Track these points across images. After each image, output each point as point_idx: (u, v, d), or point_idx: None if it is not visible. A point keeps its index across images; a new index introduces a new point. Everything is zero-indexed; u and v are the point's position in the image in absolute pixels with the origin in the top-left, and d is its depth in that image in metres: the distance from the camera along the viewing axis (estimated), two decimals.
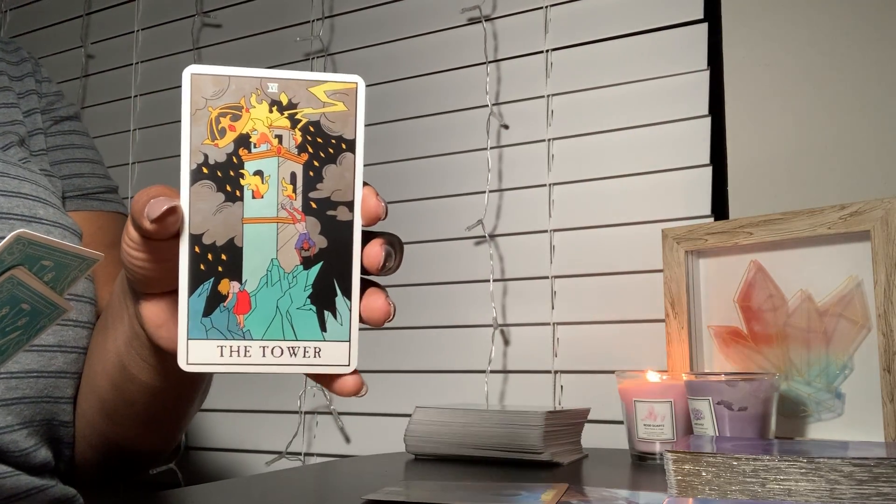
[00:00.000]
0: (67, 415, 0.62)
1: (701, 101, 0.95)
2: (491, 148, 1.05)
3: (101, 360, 0.59)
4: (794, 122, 0.91)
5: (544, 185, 1.02)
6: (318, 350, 0.41)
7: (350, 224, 0.41)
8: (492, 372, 1.02)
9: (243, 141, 0.40)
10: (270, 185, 0.40)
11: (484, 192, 1.04)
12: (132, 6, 1.36)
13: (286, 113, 0.41)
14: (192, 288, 0.40)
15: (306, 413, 1.13)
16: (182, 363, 0.40)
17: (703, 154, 0.94)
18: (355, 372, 0.43)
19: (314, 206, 0.41)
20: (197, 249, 0.40)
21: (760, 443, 0.62)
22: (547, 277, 1.01)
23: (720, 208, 0.94)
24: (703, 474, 0.50)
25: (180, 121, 0.40)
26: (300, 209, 0.41)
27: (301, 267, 0.40)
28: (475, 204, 1.05)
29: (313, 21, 1.19)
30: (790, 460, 0.48)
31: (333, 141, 0.41)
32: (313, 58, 1.19)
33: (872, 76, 0.88)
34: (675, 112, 0.96)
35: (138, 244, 0.44)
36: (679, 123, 0.96)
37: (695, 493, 0.50)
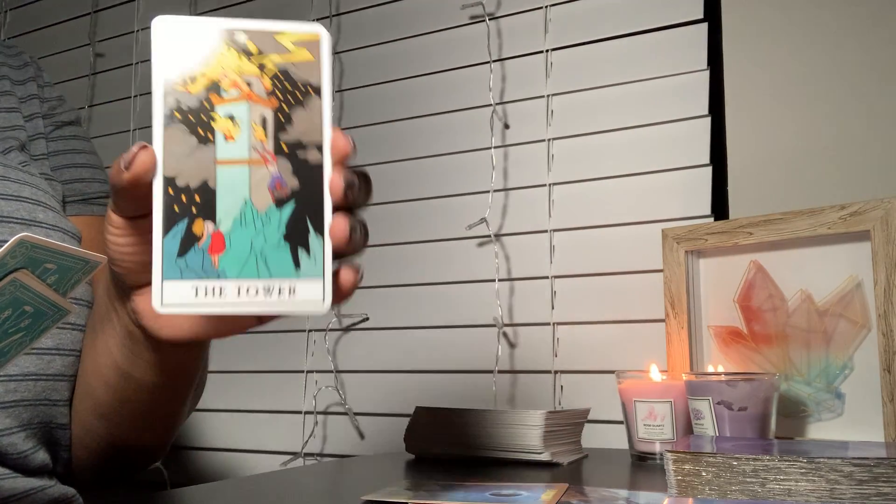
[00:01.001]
0: (65, 417, 0.62)
1: (701, 101, 0.95)
2: (495, 147, 1.05)
3: (94, 363, 0.59)
4: (794, 121, 0.91)
5: (544, 185, 1.02)
6: (292, 288, 0.41)
7: (320, 165, 0.42)
8: (500, 372, 1.02)
9: (214, 87, 0.41)
10: (242, 128, 0.41)
11: (488, 191, 1.04)
12: (133, 5, 1.36)
13: (255, 60, 0.42)
14: (166, 229, 0.40)
15: (319, 413, 1.13)
16: (157, 305, 0.40)
17: (703, 154, 0.94)
18: (350, 270, 0.43)
19: (285, 148, 0.42)
20: (171, 191, 0.40)
21: (760, 443, 0.62)
22: (547, 277, 1.01)
23: (720, 208, 0.94)
24: (703, 474, 0.50)
25: (150, 69, 0.41)
26: (272, 151, 0.41)
27: (274, 206, 0.41)
28: (479, 203, 1.05)
29: (314, 21, 1.19)
30: (790, 460, 0.48)
31: (301, 86, 0.42)
32: None
33: (872, 76, 0.88)
34: (675, 112, 0.96)
35: (122, 227, 0.44)
36: (679, 123, 0.96)
37: (695, 493, 0.50)
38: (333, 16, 1.19)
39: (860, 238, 0.77)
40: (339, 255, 0.43)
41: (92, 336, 0.60)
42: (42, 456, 0.60)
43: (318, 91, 0.42)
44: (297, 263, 0.41)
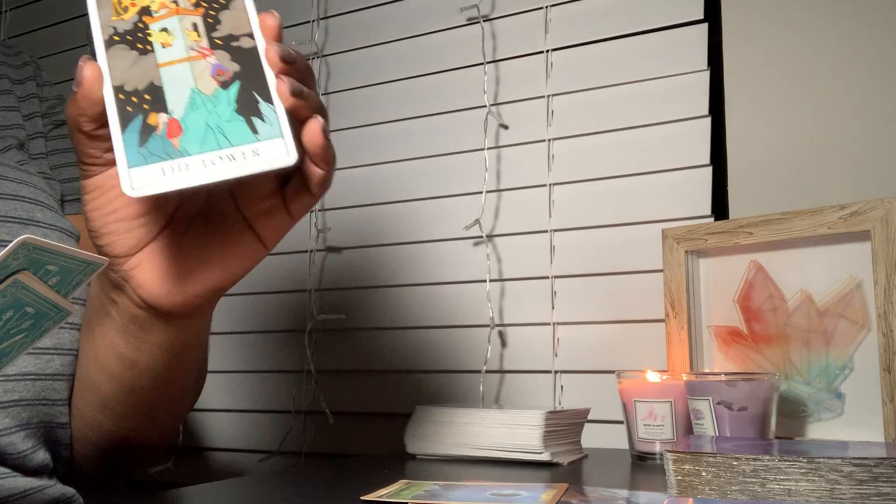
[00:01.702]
0: (64, 416, 0.62)
1: (701, 101, 0.95)
2: (489, 148, 1.05)
3: (94, 358, 0.59)
4: (794, 122, 0.91)
5: (544, 185, 1.02)
6: (255, 151, 0.42)
7: (255, 48, 0.45)
8: (488, 372, 1.02)
9: (145, 10, 0.45)
10: (176, 35, 0.45)
11: (481, 192, 1.04)
12: None
13: None
14: (123, 126, 0.42)
15: (303, 412, 1.13)
16: (127, 189, 0.41)
17: (703, 154, 0.94)
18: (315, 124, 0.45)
19: (219, 42, 0.45)
20: (121, 96, 0.43)
21: (760, 443, 0.62)
22: (547, 277, 1.01)
23: (720, 208, 0.94)
24: (703, 474, 0.50)
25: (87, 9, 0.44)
26: (208, 47, 0.44)
27: (220, 89, 0.43)
28: (473, 204, 1.05)
29: (313, 21, 1.19)
30: (790, 460, 0.48)
31: None
32: (307, 59, 1.19)
33: (873, 76, 0.88)
34: (675, 112, 0.96)
35: (97, 187, 0.46)
36: (679, 123, 0.96)
37: (695, 493, 0.50)
38: (321, 19, 1.19)
39: (860, 238, 0.77)
40: (300, 120, 0.45)
41: (89, 332, 0.59)
42: (42, 455, 0.60)
43: None
44: (253, 130, 0.43)
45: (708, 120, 0.94)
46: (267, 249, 0.50)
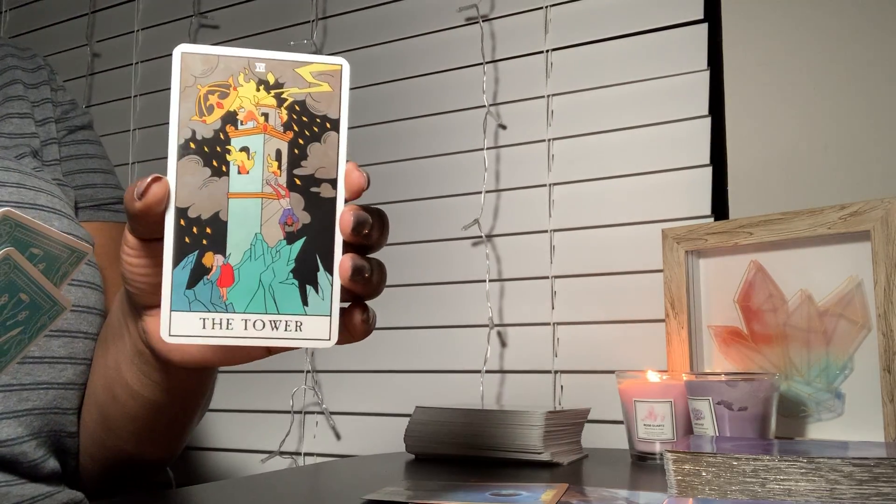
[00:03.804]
0: (73, 426, 0.62)
1: (701, 101, 0.95)
2: (488, 148, 1.05)
3: (104, 376, 0.59)
4: (794, 122, 0.91)
5: (544, 185, 1.02)
6: (299, 324, 0.41)
7: (333, 200, 0.42)
8: (488, 372, 1.02)
9: (230, 118, 0.41)
10: (256, 161, 0.41)
11: (480, 192, 1.04)
12: (133, 5, 1.36)
13: (273, 92, 0.41)
14: (177, 260, 0.40)
15: (303, 412, 1.13)
16: (164, 335, 0.40)
17: (703, 154, 0.94)
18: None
19: (298, 182, 0.41)
20: (182, 222, 0.40)
21: (760, 443, 0.62)
22: (547, 277, 1.01)
23: (720, 208, 0.94)
24: (703, 474, 0.50)
25: (169, 99, 0.41)
26: (284, 185, 0.41)
27: (284, 242, 0.41)
28: (472, 204, 1.05)
29: (313, 21, 1.19)
30: (790, 460, 0.48)
31: (318, 120, 0.42)
32: None
33: (873, 76, 0.88)
34: (675, 112, 0.96)
35: (136, 249, 0.44)
36: (679, 123, 0.96)
37: (695, 493, 0.50)
38: (319, 19, 1.19)
39: (860, 238, 0.77)
40: (353, 296, 0.43)
41: (103, 350, 0.60)
42: (52, 464, 0.60)
43: (335, 125, 0.42)
44: (304, 300, 0.41)
45: (708, 120, 0.94)
46: (270, 354, 0.50)
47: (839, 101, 0.89)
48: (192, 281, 0.40)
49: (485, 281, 1.03)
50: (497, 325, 1.03)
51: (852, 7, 0.90)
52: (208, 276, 0.40)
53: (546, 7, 1.04)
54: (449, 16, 1.10)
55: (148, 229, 0.43)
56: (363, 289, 0.42)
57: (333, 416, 1.11)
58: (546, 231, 1.01)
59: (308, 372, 1.13)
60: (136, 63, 1.34)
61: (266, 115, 0.41)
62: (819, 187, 0.89)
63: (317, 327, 0.41)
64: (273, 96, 0.41)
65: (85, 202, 0.72)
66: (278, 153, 0.41)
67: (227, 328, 0.40)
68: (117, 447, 0.62)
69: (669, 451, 0.51)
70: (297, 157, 0.41)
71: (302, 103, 0.42)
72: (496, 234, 1.04)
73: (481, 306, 1.03)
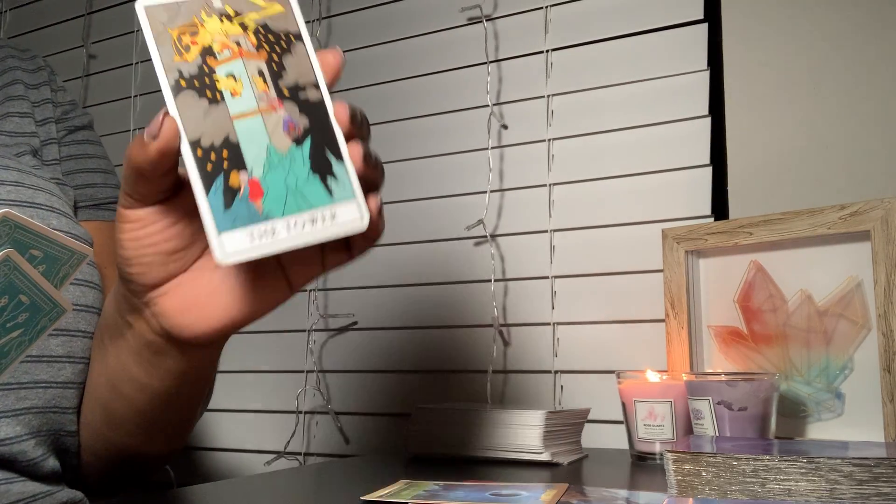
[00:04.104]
0: (73, 424, 0.62)
1: (701, 101, 0.95)
2: (492, 148, 1.05)
3: (105, 376, 0.59)
4: (794, 122, 0.91)
5: (544, 186, 1.02)
6: (333, 214, 0.43)
7: (321, 100, 0.45)
8: (495, 372, 1.02)
9: (208, 51, 0.44)
10: (244, 83, 0.44)
11: (485, 192, 1.04)
12: (131, 6, 1.36)
13: (235, 21, 0.45)
14: (207, 187, 0.42)
15: (305, 413, 1.13)
16: (220, 257, 0.41)
17: (703, 154, 0.94)
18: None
19: (286, 93, 0.44)
20: (199, 152, 0.42)
21: (760, 443, 0.62)
22: (547, 277, 1.01)
23: (720, 208, 0.94)
24: (703, 474, 0.50)
25: (148, 51, 0.43)
26: (276, 98, 0.44)
27: (294, 145, 0.44)
28: (476, 204, 1.05)
29: (312, 21, 1.20)
30: (790, 460, 0.48)
31: (283, 36, 0.45)
32: None
33: (873, 76, 0.88)
34: (676, 112, 0.96)
35: (141, 219, 0.45)
36: (679, 123, 0.96)
37: (695, 493, 0.50)
38: (323, 18, 1.19)
39: (860, 238, 0.77)
40: (364, 181, 0.45)
41: (101, 350, 0.59)
42: (52, 463, 0.60)
43: (298, 37, 0.45)
44: (329, 191, 0.43)
45: (708, 120, 0.94)
46: (292, 293, 0.50)
47: (839, 101, 0.89)
48: (228, 201, 0.42)
49: (490, 281, 1.03)
50: (502, 326, 1.03)
51: (853, 7, 0.90)
52: (240, 194, 0.42)
53: (546, 7, 1.04)
54: (453, 15, 1.10)
55: (158, 184, 0.44)
56: (374, 172, 0.45)
57: (338, 416, 1.11)
58: (546, 231, 1.01)
59: (310, 372, 1.13)
60: (136, 63, 1.34)
61: (238, 42, 0.44)
62: (819, 187, 0.89)
63: (348, 212, 0.43)
64: (237, 24, 0.45)
65: (84, 201, 0.72)
66: (260, 72, 0.44)
67: (274, 234, 0.42)
68: (123, 443, 0.62)
69: (669, 451, 0.51)
70: (276, 71, 0.44)
71: (264, 25, 0.45)
72: (500, 234, 1.04)
73: (485, 306, 1.03)
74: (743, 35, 0.95)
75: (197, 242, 0.48)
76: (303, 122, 0.44)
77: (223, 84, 0.43)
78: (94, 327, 0.62)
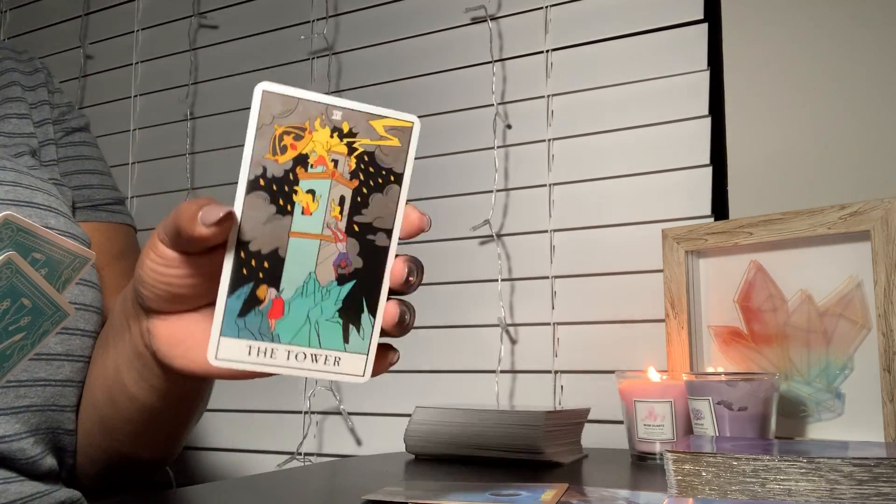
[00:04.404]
0: (71, 423, 0.62)
1: (701, 101, 0.95)
2: (497, 147, 1.05)
3: (102, 376, 0.59)
4: (794, 122, 0.91)
5: (544, 186, 1.02)
6: (337, 359, 0.43)
7: (386, 249, 0.44)
8: (491, 372, 1.02)
9: (302, 160, 0.42)
10: (320, 204, 0.43)
11: (491, 191, 1.04)
12: (131, 7, 1.36)
13: (345, 140, 0.43)
14: (232, 290, 0.42)
15: (315, 413, 1.13)
16: (211, 357, 0.42)
17: (703, 154, 0.94)
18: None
19: (356, 228, 0.43)
20: (243, 255, 0.42)
21: (760, 443, 0.62)
22: (547, 277, 1.01)
23: (720, 208, 0.94)
24: (703, 474, 0.50)
25: (245, 133, 0.42)
26: (343, 230, 0.43)
27: (335, 282, 0.43)
28: (481, 203, 1.05)
29: (313, 21, 1.19)
30: (790, 460, 0.48)
31: (384, 172, 0.44)
32: (315, 57, 1.19)
33: (873, 76, 0.88)
34: (675, 112, 0.96)
35: (171, 261, 0.45)
36: (679, 123, 0.96)
37: (695, 493, 0.50)
38: (331, 16, 1.19)
39: (860, 238, 0.77)
40: (388, 334, 0.45)
41: (103, 350, 0.60)
42: (50, 461, 0.60)
43: (398, 179, 0.44)
44: (346, 338, 0.43)
45: (708, 120, 0.94)
46: (276, 374, 0.50)
47: (839, 101, 0.89)
48: (245, 310, 0.42)
49: (496, 280, 1.03)
50: (508, 325, 1.03)
51: (853, 7, 0.90)
52: (260, 307, 0.42)
53: (546, 7, 1.04)
54: (457, 15, 1.10)
55: (196, 249, 0.44)
56: (401, 332, 0.45)
57: (338, 416, 1.11)
58: (546, 231, 1.01)
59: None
60: (136, 63, 1.34)
61: (336, 162, 0.43)
62: (819, 187, 0.89)
63: (353, 364, 0.43)
64: (345, 144, 0.43)
65: (82, 202, 0.72)
66: (342, 199, 0.43)
67: (271, 357, 0.42)
68: (114, 448, 0.62)
69: (669, 451, 0.51)
70: (359, 204, 0.43)
71: (371, 154, 0.44)
72: (506, 233, 1.04)
73: (488, 306, 1.03)
74: (743, 35, 0.95)
75: (210, 295, 0.48)
76: (357, 262, 0.43)
77: (300, 198, 0.42)
78: (92, 326, 0.62)
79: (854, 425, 0.77)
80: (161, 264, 0.45)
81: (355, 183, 0.43)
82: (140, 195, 1.30)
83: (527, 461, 0.74)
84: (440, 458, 0.79)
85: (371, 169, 0.44)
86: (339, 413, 1.11)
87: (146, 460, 0.64)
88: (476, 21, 1.09)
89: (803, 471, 0.48)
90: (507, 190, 1.05)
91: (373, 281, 0.44)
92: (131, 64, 1.34)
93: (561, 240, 1.01)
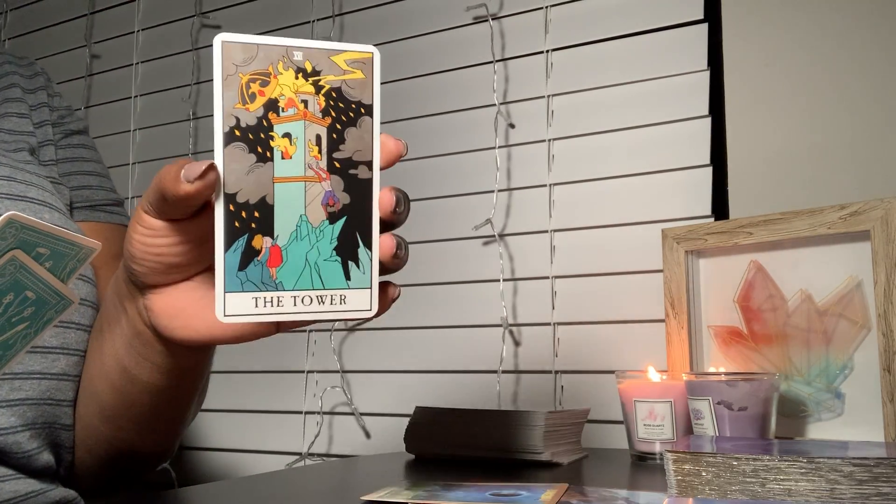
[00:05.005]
0: (68, 418, 0.62)
1: (701, 101, 0.95)
2: (499, 147, 1.05)
3: (100, 365, 0.59)
4: (794, 122, 0.91)
5: (545, 186, 1.02)
6: (343, 297, 0.44)
7: (370, 182, 0.44)
8: (492, 372, 1.02)
9: (272, 105, 0.43)
10: (298, 146, 0.43)
11: (492, 191, 1.04)
12: (133, 6, 1.36)
13: (311, 79, 0.43)
14: (228, 244, 0.42)
15: (323, 413, 1.13)
16: (220, 315, 0.42)
17: (703, 154, 0.94)
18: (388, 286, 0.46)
19: (338, 165, 0.44)
20: (231, 207, 0.42)
21: (760, 443, 0.62)
22: (547, 277, 1.01)
23: (720, 208, 0.94)
24: (703, 474, 0.50)
25: (213, 86, 0.42)
26: (325, 168, 0.43)
27: (327, 222, 0.43)
28: (483, 203, 1.05)
29: (314, 21, 1.20)
30: (790, 460, 0.48)
31: (353, 106, 0.44)
32: None
33: (873, 76, 0.88)
34: (676, 112, 0.96)
35: (158, 229, 0.45)
36: (679, 123, 0.96)
37: (695, 493, 0.50)
38: (336, 15, 1.19)
39: (860, 238, 0.77)
40: (383, 269, 0.45)
41: (98, 338, 0.60)
42: (46, 457, 0.60)
43: (369, 110, 0.44)
44: (347, 275, 0.44)
45: (708, 120, 0.94)
46: (277, 332, 0.50)
47: (839, 101, 0.89)
48: (244, 263, 0.42)
49: (499, 280, 1.03)
50: (510, 325, 1.03)
51: (853, 7, 0.90)
52: (258, 258, 0.42)
53: (546, 7, 1.04)
54: (458, 15, 1.10)
55: (182, 211, 0.44)
56: (398, 264, 0.45)
57: (340, 416, 1.11)
58: (546, 231, 1.01)
59: (309, 372, 1.13)
60: (137, 63, 1.34)
61: (305, 102, 0.43)
62: (819, 187, 0.89)
63: (359, 299, 0.44)
64: (311, 84, 0.43)
65: (80, 203, 0.72)
66: (318, 138, 0.43)
67: (278, 305, 0.43)
68: (116, 438, 0.62)
69: (669, 451, 0.51)
70: (335, 141, 0.44)
71: (338, 90, 0.44)
72: (508, 233, 1.04)
73: (490, 305, 1.03)
74: (743, 35, 0.95)
75: (202, 261, 0.49)
76: (344, 198, 0.43)
77: (277, 143, 0.43)
78: (87, 320, 0.63)
79: (854, 425, 0.77)
80: (149, 235, 0.46)
81: (328, 120, 0.44)
82: (140, 196, 1.31)
83: (527, 461, 0.74)
84: (440, 458, 0.79)
85: (341, 104, 0.44)
86: (343, 414, 1.11)
87: (148, 450, 0.64)
88: (478, 20, 1.09)
89: (803, 471, 0.48)
90: (508, 190, 1.05)
91: (363, 214, 0.44)
92: (132, 64, 1.34)
93: (561, 240, 1.01)
